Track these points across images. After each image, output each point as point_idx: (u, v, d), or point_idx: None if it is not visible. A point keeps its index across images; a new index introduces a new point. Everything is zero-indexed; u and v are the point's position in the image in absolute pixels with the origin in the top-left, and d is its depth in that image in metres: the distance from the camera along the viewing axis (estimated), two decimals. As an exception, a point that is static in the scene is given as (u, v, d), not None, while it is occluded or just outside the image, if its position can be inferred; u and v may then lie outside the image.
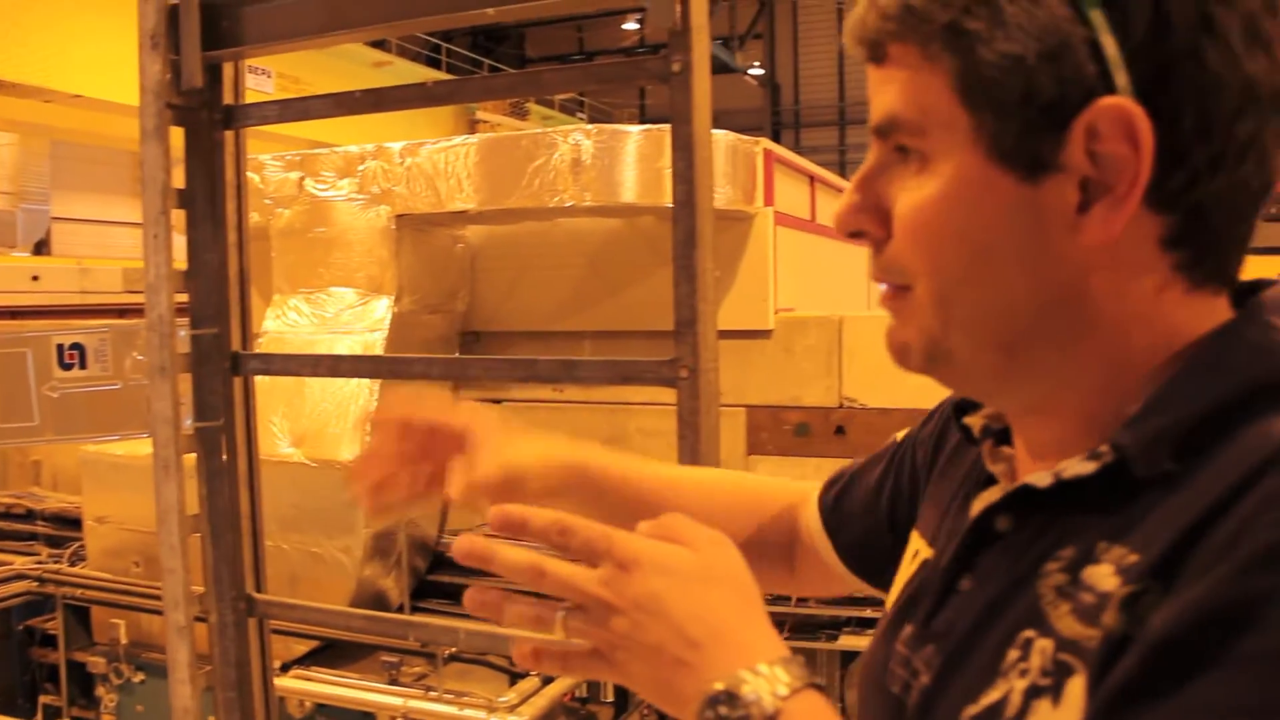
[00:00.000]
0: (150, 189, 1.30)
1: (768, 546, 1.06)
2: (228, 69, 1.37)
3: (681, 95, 1.08)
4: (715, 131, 4.35)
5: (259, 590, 1.36)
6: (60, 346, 2.95)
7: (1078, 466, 0.65)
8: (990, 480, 0.78)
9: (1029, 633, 0.64)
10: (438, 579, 4.96)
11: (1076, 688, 0.60)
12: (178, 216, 1.35)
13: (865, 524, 1.00)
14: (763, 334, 4.57)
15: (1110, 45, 0.60)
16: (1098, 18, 0.60)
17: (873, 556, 0.99)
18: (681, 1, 1.07)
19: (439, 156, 4.52)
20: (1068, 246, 0.65)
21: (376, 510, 1.02)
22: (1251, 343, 0.64)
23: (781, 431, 4.52)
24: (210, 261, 1.37)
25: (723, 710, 0.65)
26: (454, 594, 4.91)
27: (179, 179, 1.37)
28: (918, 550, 0.85)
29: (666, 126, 1.20)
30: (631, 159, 4.22)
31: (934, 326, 0.71)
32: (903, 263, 0.71)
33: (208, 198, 1.38)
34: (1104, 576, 0.61)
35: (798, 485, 1.12)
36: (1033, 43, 0.62)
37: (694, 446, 1.04)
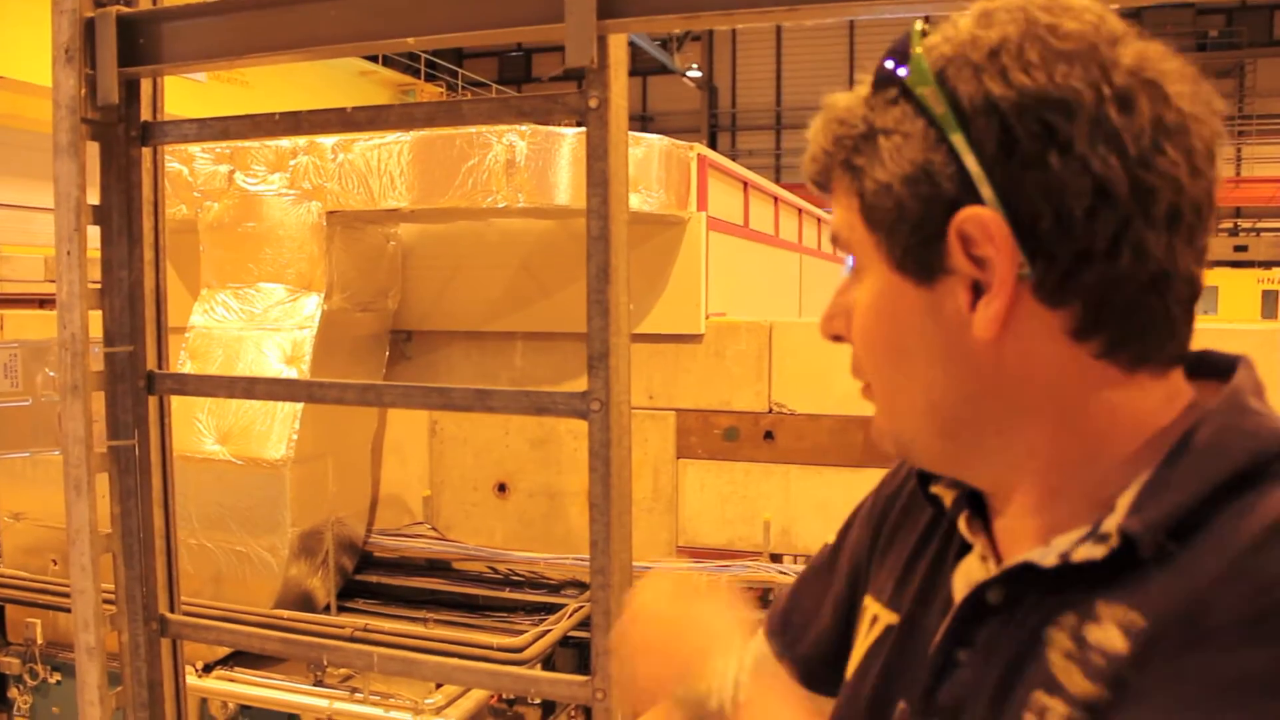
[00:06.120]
0: (63, 205, 1.29)
1: None
2: (145, 84, 1.36)
3: (598, 131, 1.10)
4: (650, 135, 4.40)
5: (172, 610, 1.36)
6: (-31, 362, 2.88)
7: (1087, 550, 0.69)
8: (965, 547, 0.82)
9: (1042, 696, 0.68)
10: (365, 579, 4.93)
11: None
12: (93, 233, 1.33)
13: (816, 631, 0.99)
14: (694, 338, 4.61)
15: (972, 163, 0.68)
16: (959, 140, 0.68)
17: (822, 663, 0.98)
18: (599, 38, 1.09)
19: (372, 153, 4.48)
20: (971, 342, 0.71)
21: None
22: (1236, 428, 0.69)
23: (711, 435, 4.56)
24: (125, 279, 1.36)
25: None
26: (381, 594, 4.88)
27: (95, 195, 1.35)
28: (876, 615, 0.88)
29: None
30: (566, 161, 4.22)
31: (888, 419, 0.79)
32: (858, 363, 0.81)
33: (123, 214, 1.36)
34: (1112, 638, 0.66)
35: None
36: (898, 170, 0.71)
37: (605, 478, 1.06)
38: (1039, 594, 0.72)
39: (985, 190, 0.68)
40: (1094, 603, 0.68)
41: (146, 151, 1.37)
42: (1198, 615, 0.61)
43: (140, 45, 1.31)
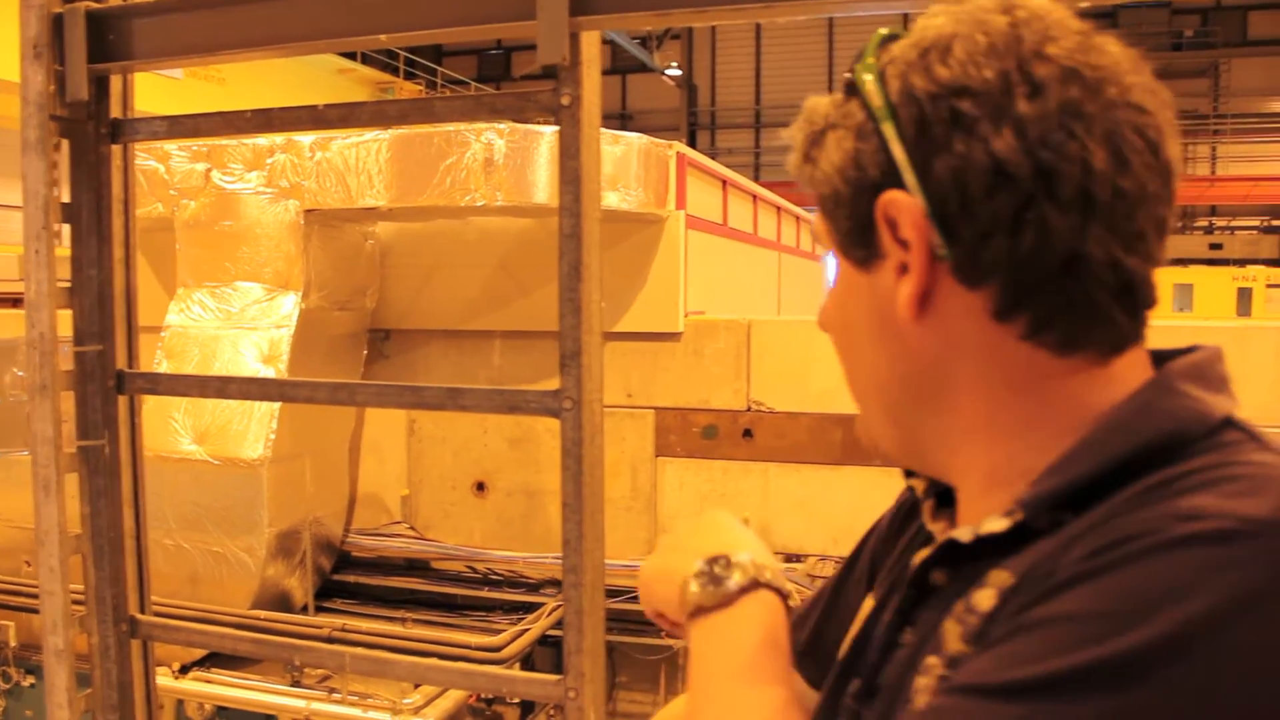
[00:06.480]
0: (32, 203, 1.27)
1: None
2: (115, 81, 1.35)
3: (570, 129, 1.10)
4: (629, 134, 4.39)
5: (143, 611, 1.35)
6: (-63, 361, 2.85)
7: (993, 524, 0.72)
8: (930, 539, 0.84)
9: (931, 659, 0.72)
10: (343, 579, 4.91)
11: None
12: (69, 231, 1.32)
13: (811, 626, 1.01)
14: (672, 336, 4.62)
15: (898, 151, 0.72)
16: (888, 130, 0.72)
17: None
18: (572, 36, 1.09)
19: (350, 152, 4.46)
20: (900, 323, 0.75)
21: None
22: (1153, 407, 0.71)
23: (689, 434, 4.57)
24: (95, 278, 1.34)
25: (717, 570, 0.86)
26: (359, 594, 4.86)
27: (65, 193, 1.34)
28: (868, 605, 0.90)
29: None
30: (544, 159, 4.21)
31: (858, 407, 0.83)
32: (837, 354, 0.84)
33: (93, 212, 1.35)
34: (986, 598, 0.69)
35: None
36: (836, 159, 0.76)
37: (577, 476, 1.06)
38: (972, 572, 0.73)
39: (908, 176, 0.72)
40: (987, 571, 0.71)
41: (117, 149, 1.35)
42: (1050, 571, 0.64)
43: (110, 41, 1.30)
